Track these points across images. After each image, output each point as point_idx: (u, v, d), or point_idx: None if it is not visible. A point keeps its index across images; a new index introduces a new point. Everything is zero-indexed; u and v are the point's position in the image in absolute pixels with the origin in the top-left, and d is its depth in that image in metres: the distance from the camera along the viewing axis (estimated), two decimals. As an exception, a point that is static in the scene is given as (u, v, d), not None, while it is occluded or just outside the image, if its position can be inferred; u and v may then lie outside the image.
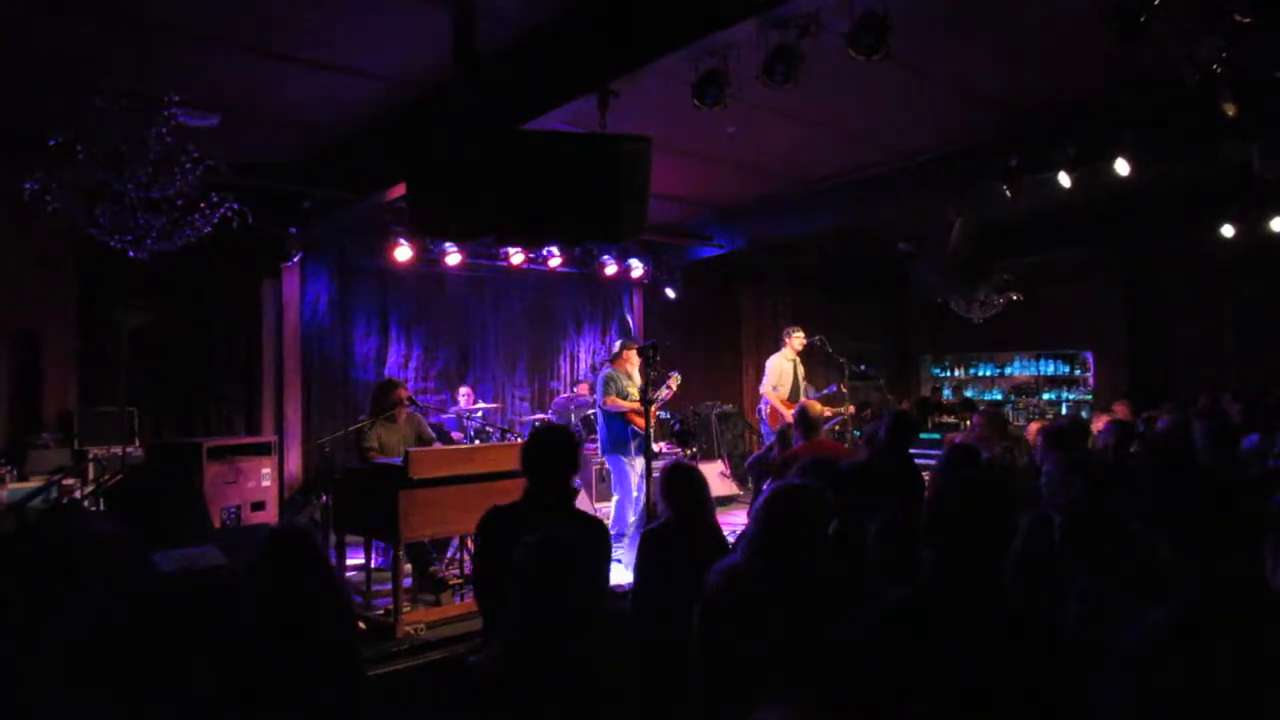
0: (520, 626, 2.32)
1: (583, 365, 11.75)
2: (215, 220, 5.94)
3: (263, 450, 7.59)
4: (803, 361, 9.18)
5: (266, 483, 7.49)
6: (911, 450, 5.55)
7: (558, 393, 11.24)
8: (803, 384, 9.13)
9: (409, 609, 5.60)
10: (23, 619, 1.87)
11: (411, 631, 5.33)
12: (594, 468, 9.38)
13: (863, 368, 10.12)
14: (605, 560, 3.29)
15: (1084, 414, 11.76)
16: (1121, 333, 12.45)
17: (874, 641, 2.17)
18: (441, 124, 6.03)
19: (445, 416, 9.11)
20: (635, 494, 7.59)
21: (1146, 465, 4.62)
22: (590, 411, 9.61)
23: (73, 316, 7.91)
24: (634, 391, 7.49)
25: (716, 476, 10.45)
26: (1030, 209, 9.05)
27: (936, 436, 10.26)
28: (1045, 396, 13.88)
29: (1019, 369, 14.22)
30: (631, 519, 7.54)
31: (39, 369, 7.76)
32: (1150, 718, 1.98)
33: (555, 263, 10.22)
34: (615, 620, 3.27)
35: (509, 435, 8.54)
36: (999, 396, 14.33)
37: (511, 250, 9.76)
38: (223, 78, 5.97)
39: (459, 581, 6.14)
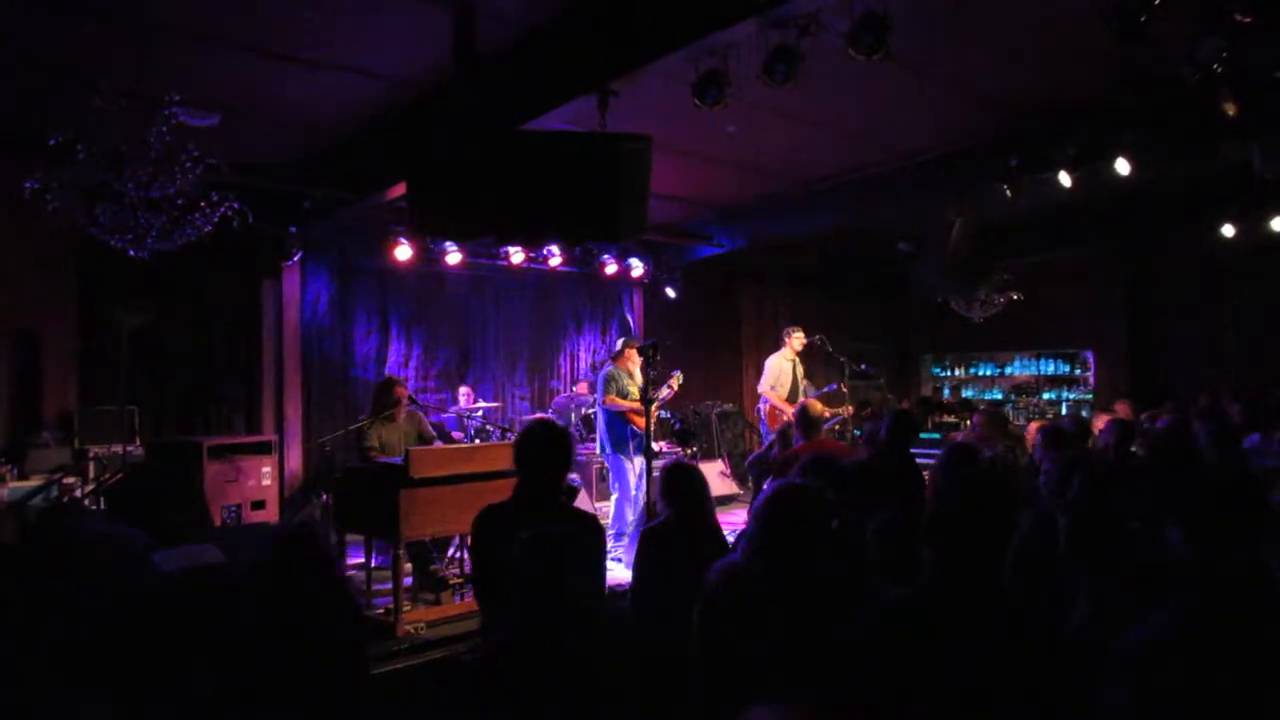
0: (512, 623, 2.32)
1: (583, 364, 11.75)
2: (215, 219, 5.94)
3: (263, 449, 7.60)
4: (803, 361, 9.18)
5: (267, 482, 7.51)
6: (913, 450, 5.55)
7: (558, 392, 11.24)
8: (802, 384, 9.13)
9: (409, 608, 5.60)
10: (23, 619, 1.87)
11: (412, 630, 5.34)
12: (594, 467, 9.39)
13: (863, 367, 10.12)
14: (600, 558, 3.27)
15: (1084, 413, 11.75)
16: (1122, 332, 12.45)
17: (874, 641, 2.17)
18: (442, 124, 6.03)
19: (445, 416, 9.11)
20: (634, 493, 7.59)
21: (1150, 463, 4.62)
22: (590, 410, 9.61)
23: (73, 316, 7.91)
24: (635, 390, 7.48)
25: (716, 476, 10.45)
26: (1030, 209, 9.05)
27: (937, 436, 10.27)
28: (1045, 396, 13.87)
29: (1019, 368, 14.22)
30: (631, 518, 7.54)
31: (39, 368, 7.76)
32: (1153, 717, 1.98)
33: (555, 262, 10.22)
34: (614, 619, 3.28)
35: (509, 434, 8.54)
36: (999, 396, 14.33)
37: (512, 250, 9.76)
38: (223, 77, 5.97)
39: (459, 581, 6.14)
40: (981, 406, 12.47)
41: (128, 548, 1.98)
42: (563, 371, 11.62)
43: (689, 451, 10.19)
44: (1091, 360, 13.25)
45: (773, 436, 7.08)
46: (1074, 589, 2.87)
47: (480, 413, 9.31)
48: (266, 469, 7.50)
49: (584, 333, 11.86)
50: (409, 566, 5.96)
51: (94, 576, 1.88)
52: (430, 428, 6.87)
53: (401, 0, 5.06)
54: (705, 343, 12.54)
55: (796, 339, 8.94)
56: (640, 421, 7.24)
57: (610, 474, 7.92)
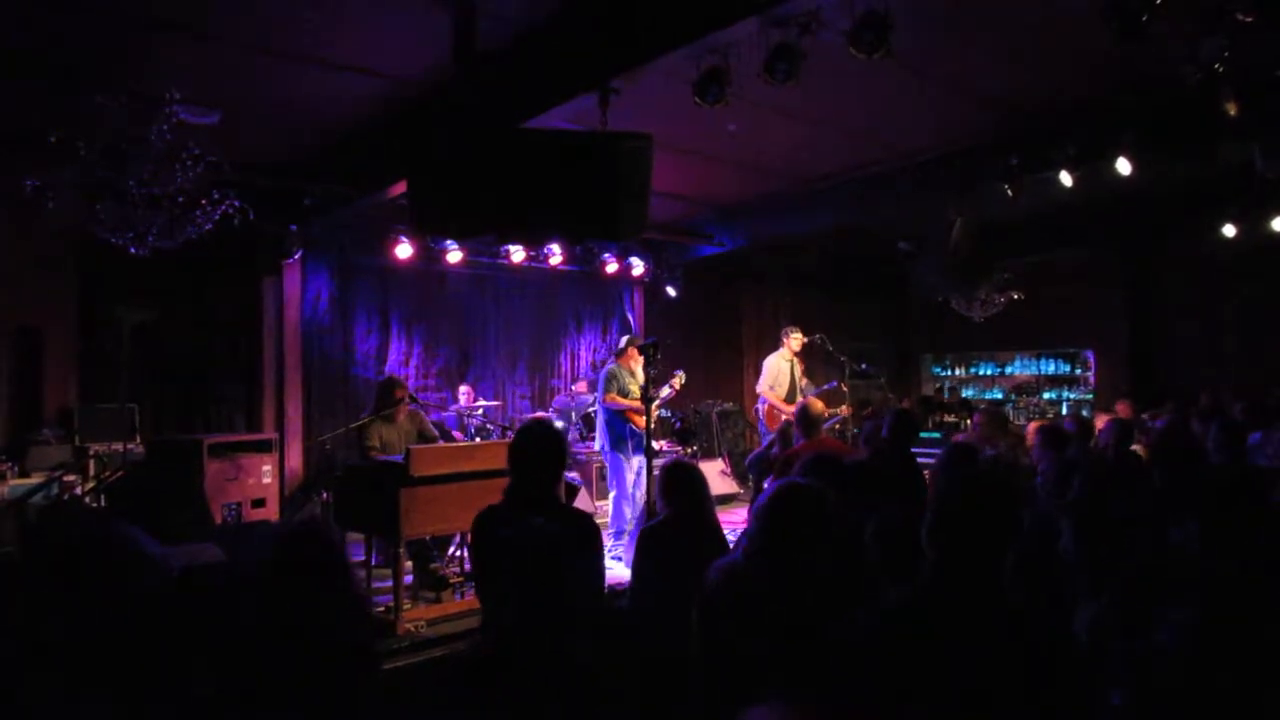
0: (505, 619, 2.32)
1: (583, 363, 11.75)
2: (216, 217, 5.96)
3: (263, 447, 7.61)
4: (803, 360, 9.18)
5: (267, 480, 7.52)
6: (914, 449, 5.55)
7: (558, 390, 11.24)
8: (800, 383, 9.14)
9: (409, 606, 5.61)
10: (24, 619, 1.87)
11: (412, 629, 5.34)
12: (594, 466, 9.39)
13: (863, 366, 10.13)
14: (595, 555, 3.27)
15: (1084, 413, 11.75)
16: (1122, 332, 12.45)
17: (874, 641, 2.17)
18: (442, 122, 6.03)
19: (446, 414, 9.12)
20: (631, 491, 7.60)
21: (1155, 463, 4.61)
22: (591, 409, 9.61)
23: (74, 314, 7.92)
24: (635, 389, 7.49)
25: (717, 475, 10.45)
26: (1031, 209, 9.05)
27: (938, 435, 10.27)
28: (1046, 396, 13.87)
29: (1020, 368, 14.22)
30: (630, 516, 7.55)
31: (40, 366, 7.77)
32: (1157, 717, 1.99)
33: (556, 260, 10.22)
34: (613, 618, 3.28)
35: (509, 433, 8.54)
36: (999, 395, 14.33)
37: (512, 248, 9.76)
38: (223, 76, 5.96)
39: (459, 579, 6.15)
40: (981, 406, 12.47)
41: (132, 548, 1.98)
42: (563, 370, 11.62)
43: (689, 450, 10.19)
44: (1092, 360, 13.25)
45: (772, 435, 7.08)
46: (1074, 589, 2.87)
47: (481, 411, 9.31)
48: (267, 467, 7.52)
49: (584, 331, 11.86)
50: (409, 565, 5.97)
51: (97, 577, 1.89)
52: (431, 426, 6.88)
53: (402, -1, 5.07)
54: (705, 341, 12.54)
55: (795, 339, 8.95)
56: (640, 421, 7.25)
57: (608, 472, 7.93)
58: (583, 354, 11.82)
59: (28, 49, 5.52)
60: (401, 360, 10.01)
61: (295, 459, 8.99)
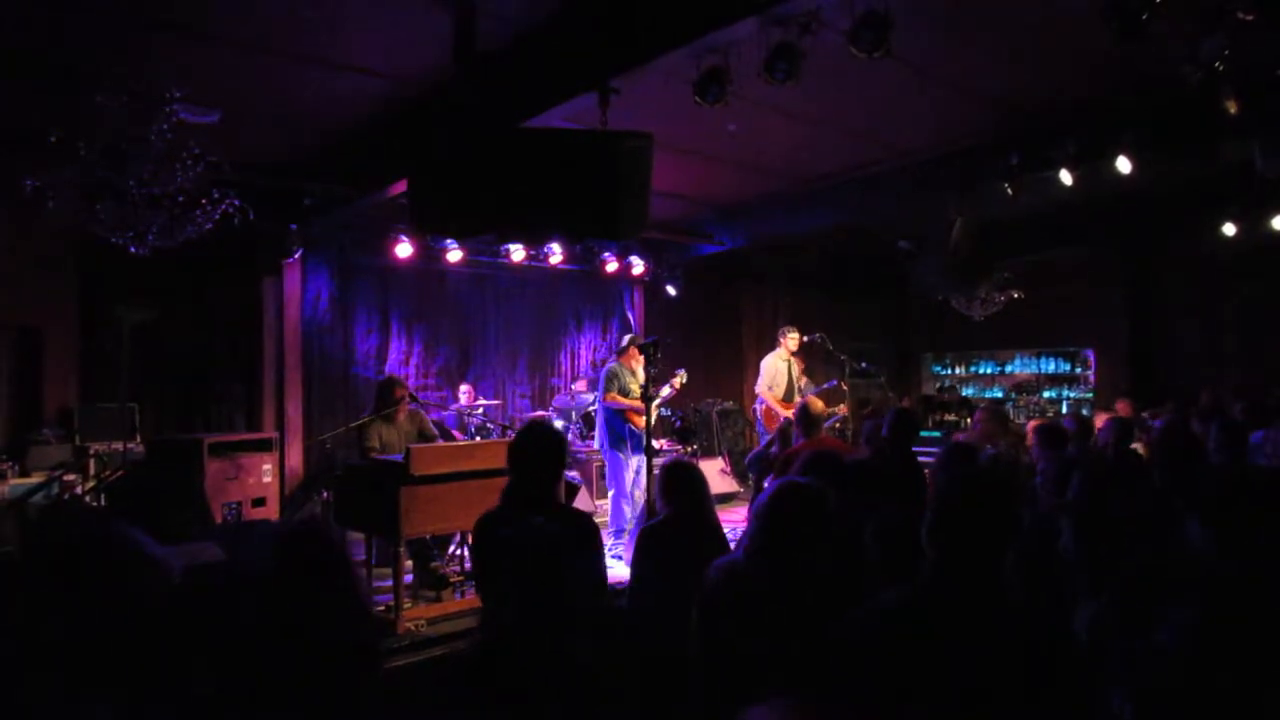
0: (503, 618, 2.32)
1: (583, 362, 11.75)
2: (216, 217, 5.95)
3: (264, 447, 7.61)
4: (803, 359, 9.19)
5: (267, 479, 7.52)
6: (914, 448, 5.55)
7: (558, 389, 11.25)
8: (801, 382, 9.13)
9: (409, 605, 5.62)
10: (24, 619, 1.87)
11: (412, 628, 5.35)
12: (595, 465, 9.40)
13: (863, 365, 10.13)
14: (595, 555, 3.27)
15: (1084, 412, 11.75)
16: (1122, 331, 12.45)
17: (874, 641, 2.17)
18: (442, 121, 6.03)
19: (445, 414, 9.12)
20: (630, 490, 7.60)
21: (1158, 462, 4.62)
22: (591, 408, 9.62)
23: (74, 313, 7.92)
24: (636, 388, 7.49)
25: (717, 474, 10.46)
26: (1031, 208, 9.05)
27: (938, 435, 10.27)
28: (1046, 394, 13.87)
29: (1020, 367, 14.22)
30: (629, 515, 7.55)
31: (40, 365, 7.77)
32: (1158, 718, 1.98)
33: (556, 260, 10.22)
34: (613, 617, 3.28)
35: (509, 432, 8.55)
36: (999, 394, 14.33)
37: (512, 247, 9.76)
38: (223, 76, 5.96)
39: (459, 578, 6.15)
40: (982, 404, 12.47)
41: (131, 546, 1.98)
42: (563, 369, 11.62)
43: (689, 449, 10.20)
44: (1092, 359, 13.25)
45: (772, 435, 7.08)
46: (1074, 589, 2.87)
47: (481, 410, 9.31)
48: (267, 466, 7.52)
49: (584, 330, 11.86)
50: (409, 564, 5.97)
51: (95, 576, 1.89)
52: (431, 426, 6.88)
53: (402, -2, 5.06)
54: (706, 341, 12.54)
55: (792, 339, 8.96)
56: (640, 421, 7.26)
57: (607, 471, 7.93)
58: (583, 353, 11.82)
59: (28, 49, 5.52)
60: (401, 360, 10.02)
61: (295, 458, 8.99)
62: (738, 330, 13.22)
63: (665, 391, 7.87)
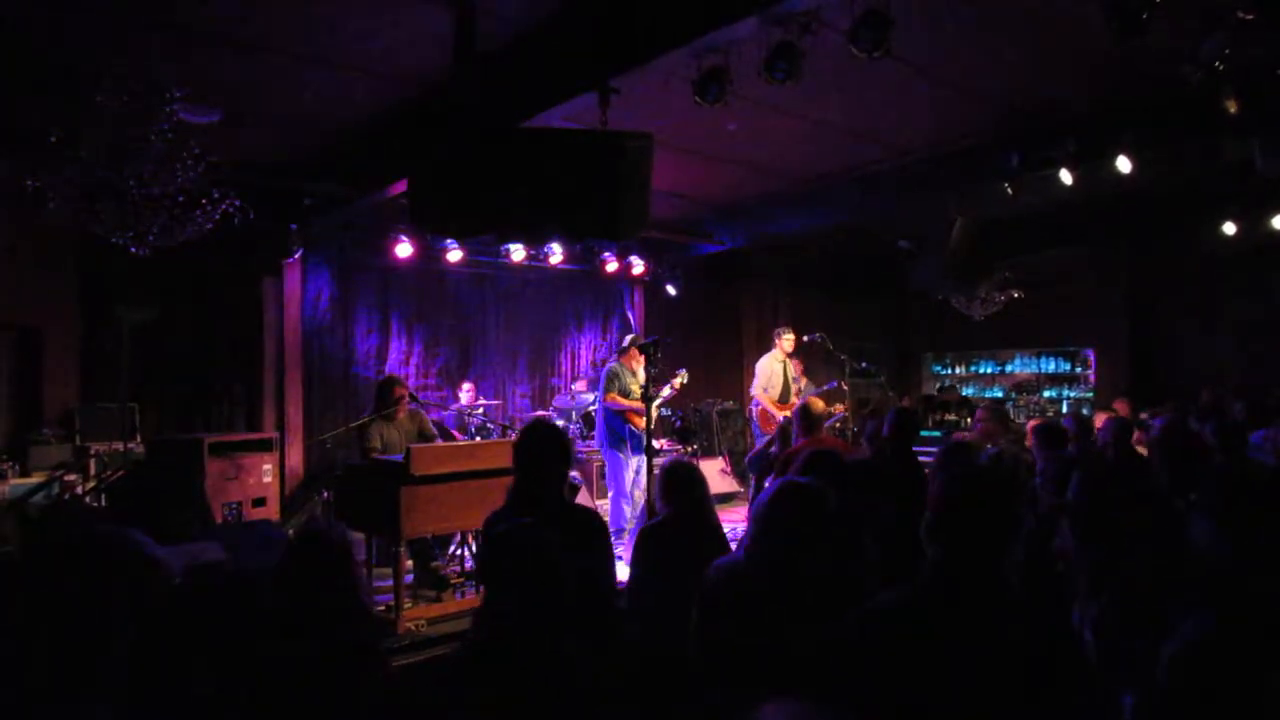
0: (502, 618, 2.32)
1: (583, 362, 11.76)
2: (217, 217, 5.95)
3: (264, 446, 7.61)
4: (803, 359, 9.19)
5: (268, 479, 7.52)
6: (914, 448, 5.54)
7: (558, 389, 11.25)
8: (801, 382, 9.12)
9: (410, 605, 5.62)
10: (24, 619, 1.87)
11: (413, 628, 5.35)
12: (595, 465, 9.39)
13: (864, 365, 10.12)
14: (601, 552, 3.26)
15: (1085, 411, 11.76)
16: (1122, 331, 12.45)
17: (874, 641, 2.17)
18: (442, 121, 6.03)
19: (445, 414, 9.12)
20: (630, 490, 7.60)
21: (1161, 459, 4.61)
22: (591, 408, 9.62)
23: (74, 313, 7.93)
24: (636, 389, 7.49)
25: (717, 474, 10.46)
26: (1031, 207, 9.05)
27: (938, 434, 10.26)
28: (1046, 394, 13.87)
29: (1020, 366, 14.22)
30: (629, 515, 7.55)
31: (41, 365, 7.78)
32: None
33: (556, 260, 10.22)
34: (613, 617, 3.27)
35: (510, 432, 8.55)
36: (1000, 394, 14.33)
37: (513, 247, 9.76)
38: (224, 76, 5.96)
39: (460, 579, 6.15)
40: (982, 404, 12.47)
41: (131, 546, 1.98)
42: (563, 369, 11.62)
43: (689, 449, 10.20)
44: (1092, 359, 13.25)
45: (771, 435, 7.08)
46: (1074, 588, 2.87)
47: (481, 410, 9.32)
48: (267, 466, 7.52)
49: (585, 330, 11.87)
50: (410, 564, 5.97)
51: (95, 576, 1.89)
52: (431, 425, 6.89)
53: (402, -2, 5.06)
54: (706, 340, 12.54)
55: (787, 340, 8.97)
56: (640, 421, 7.25)
57: (606, 471, 7.93)
58: (583, 353, 11.83)
59: (28, 49, 5.52)
60: (402, 359, 10.02)
61: (295, 458, 8.99)
62: (738, 330, 13.22)
63: (665, 392, 7.87)
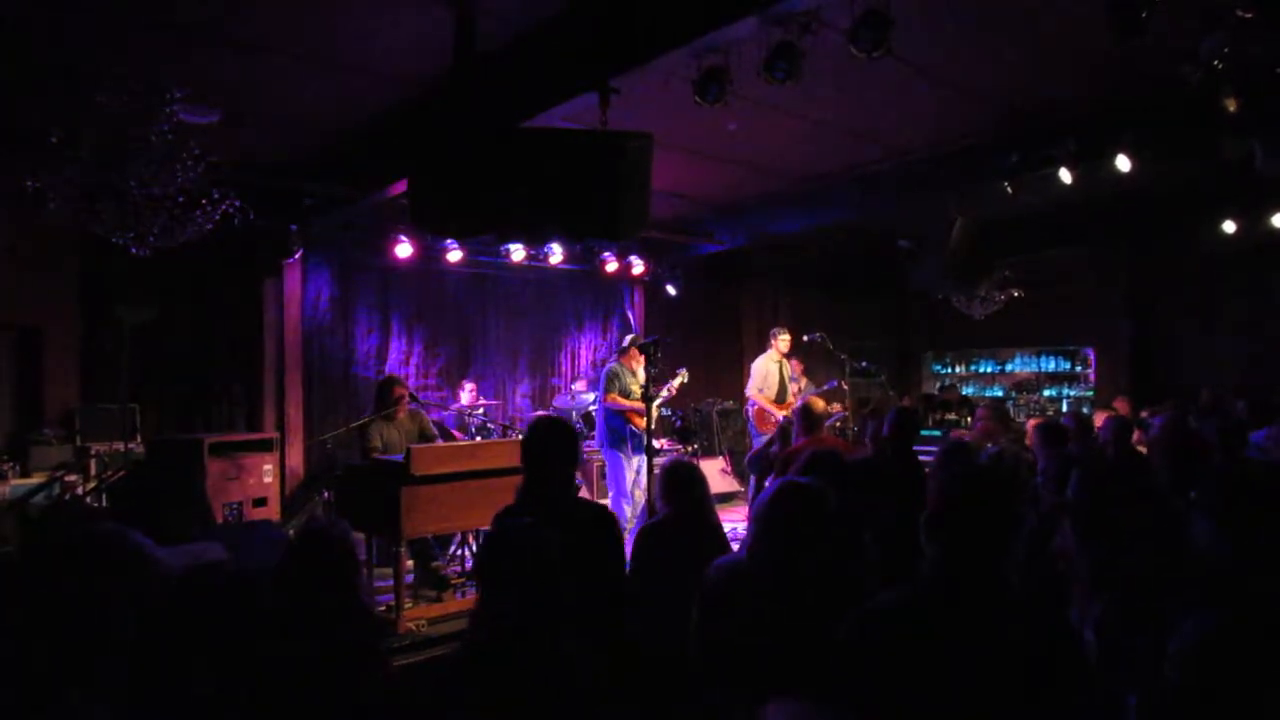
0: (501, 617, 2.32)
1: (583, 362, 11.76)
2: (217, 217, 5.96)
3: (264, 447, 7.61)
4: (802, 360, 9.19)
5: (268, 479, 7.52)
6: (915, 448, 5.54)
7: (558, 389, 11.25)
8: (801, 383, 9.12)
9: (410, 605, 5.61)
10: (24, 619, 1.87)
11: (413, 628, 5.35)
12: (595, 465, 9.40)
13: (864, 364, 10.12)
14: (611, 548, 3.26)
15: (1085, 410, 11.75)
16: (1123, 330, 12.45)
17: (874, 641, 2.17)
18: (442, 121, 6.03)
19: (446, 414, 9.12)
20: (631, 490, 7.60)
21: (1163, 458, 4.61)
22: (592, 408, 9.62)
23: (75, 313, 7.93)
24: (637, 389, 7.49)
25: (717, 473, 10.46)
26: (1031, 207, 9.05)
27: (938, 434, 10.26)
28: (1046, 393, 13.87)
29: (1020, 366, 14.22)
30: (629, 514, 7.55)
31: (41, 365, 7.78)
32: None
33: (556, 260, 10.22)
34: (610, 616, 3.27)
35: (510, 432, 8.55)
36: (1000, 393, 14.33)
37: (513, 247, 9.76)
38: (224, 76, 5.96)
39: (460, 579, 6.15)
40: (982, 403, 12.47)
41: (129, 546, 1.98)
42: (563, 369, 11.62)
43: (689, 449, 10.20)
44: (1092, 358, 13.25)
45: (770, 434, 7.08)
46: (1075, 588, 2.87)
47: (481, 410, 9.32)
48: (268, 466, 7.51)
49: (585, 330, 11.87)
50: (410, 564, 5.97)
51: (94, 576, 1.89)
52: (432, 425, 6.89)
53: (402, -2, 5.06)
54: (706, 340, 12.54)
55: (782, 340, 8.98)
56: (640, 421, 7.25)
57: (607, 471, 7.93)
58: (583, 353, 11.83)
59: (28, 49, 5.52)
60: (402, 359, 10.02)
61: (296, 458, 8.99)
62: (738, 329, 13.22)
63: (663, 394, 7.87)
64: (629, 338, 8.19)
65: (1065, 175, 7.06)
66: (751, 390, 8.91)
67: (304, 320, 9.19)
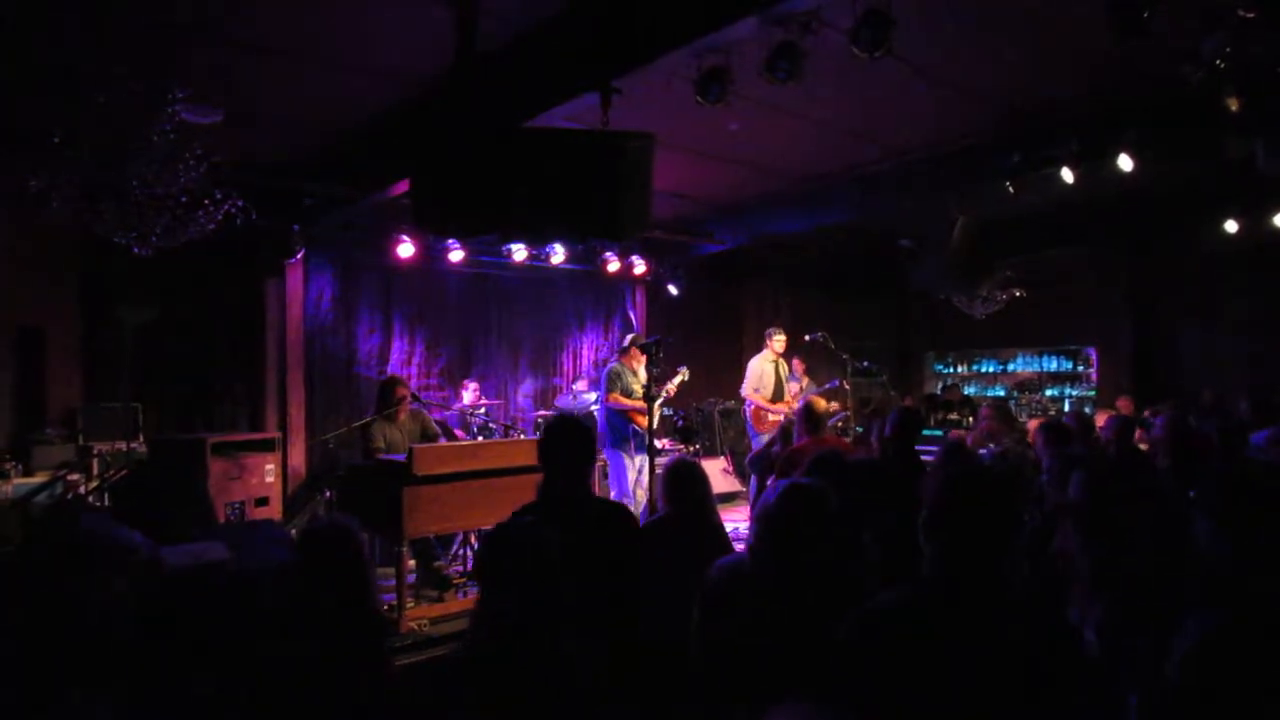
0: (502, 617, 2.32)
1: (585, 362, 11.76)
2: (219, 217, 5.96)
3: (266, 446, 7.62)
4: (803, 359, 9.20)
5: (270, 479, 7.53)
6: (917, 447, 5.54)
7: (560, 389, 11.26)
8: (802, 382, 9.12)
9: (412, 605, 5.62)
10: (24, 619, 1.88)
11: (415, 627, 5.36)
12: (597, 464, 9.38)
13: (865, 364, 10.12)
14: (627, 546, 3.26)
15: (1087, 410, 11.74)
16: (1124, 329, 12.44)
17: (874, 641, 2.17)
18: (443, 121, 6.03)
19: (448, 413, 9.13)
20: (632, 488, 7.61)
21: (1167, 457, 4.61)
22: (593, 407, 9.62)
23: (77, 313, 7.94)
24: (638, 388, 7.49)
25: (719, 473, 10.46)
26: (1032, 207, 9.04)
27: (939, 434, 10.25)
28: (1048, 393, 13.86)
29: (1022, 365, 14.22)
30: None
31: (43, 365, 7.79)
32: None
33: (558, 260, 10.22)
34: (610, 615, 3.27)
35: (511, 432, 8.56)
36: (1002, 393, 14.32)
37: (514, 247, 9.76)
38: (225, 76, 5.96)
39: (462, 579, 6.15)
40: (985, 403, 12.47)
41: (126, 545, 1.99)
42: (565, 369, 11.63)
43: (691, 449, 10.20)
44: (1094, 357, 13.24)
45: (767, 433, 7.08)
46: (1076, 588, 2.87)
47: (483, 410, 9.32)
48: (270, 466, 7.52)
49: (586, 330, 11.87)
50: (412, 563, 5.98)
51: (97, 575, 1.89)
52: (434, 425, 6.89)
53: (403, -2, 5.07)
54: (708, 340, 12.54)
55: (778, 341, 9.01)
56: (642, 421, 7.26)
57: (609, 470, 7.93)
58: (585, 353, 11.83)
59: (28, 49, 5.53)
60: (404, 359, 10.03)
61: (298, 458, 9.00)
62: (739, 329, 13.21)
63: (662, 393, 7.88)
64: (630, 337, 8.20)
65: (1067, 175, 7.06)
66: (747, 390, 8.93)
67: (306, 320, 9.19)
